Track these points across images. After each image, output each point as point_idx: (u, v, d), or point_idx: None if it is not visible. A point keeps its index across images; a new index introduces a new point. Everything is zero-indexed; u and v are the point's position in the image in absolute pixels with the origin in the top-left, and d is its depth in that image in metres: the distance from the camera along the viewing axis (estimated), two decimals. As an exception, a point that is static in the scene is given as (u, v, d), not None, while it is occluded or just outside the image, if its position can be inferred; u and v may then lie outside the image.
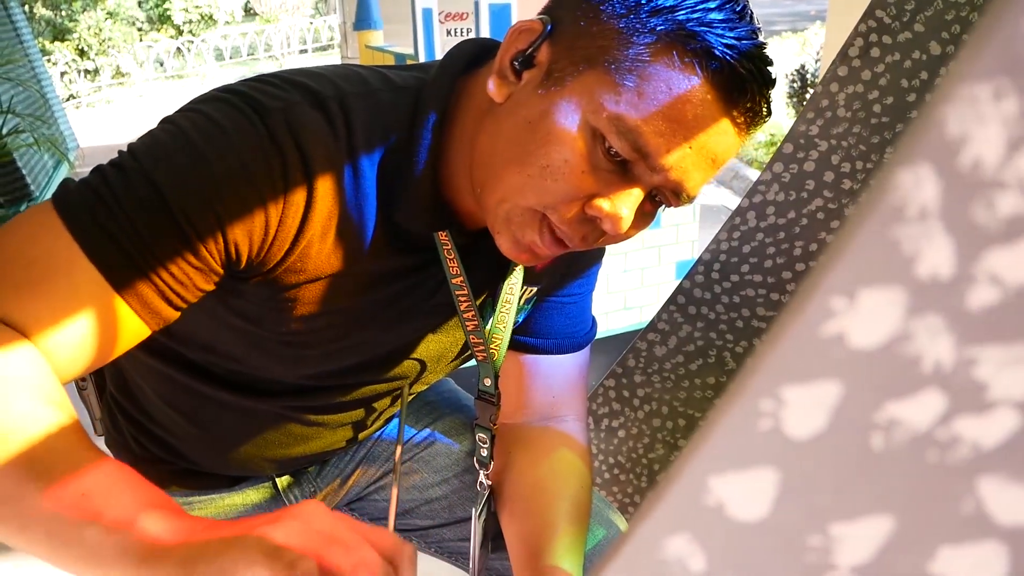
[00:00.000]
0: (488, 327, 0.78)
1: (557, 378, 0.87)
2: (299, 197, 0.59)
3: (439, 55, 2.52)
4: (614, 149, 0.58)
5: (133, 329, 0.58)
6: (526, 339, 0.85)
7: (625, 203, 0.61)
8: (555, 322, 0.85)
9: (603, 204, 0.60)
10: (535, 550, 0.76)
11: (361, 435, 0.89)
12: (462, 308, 0.75)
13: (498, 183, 0.62)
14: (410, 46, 2.73)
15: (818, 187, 1.13)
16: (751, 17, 0.58)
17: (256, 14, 15.02)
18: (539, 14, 0.63)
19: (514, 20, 2.40)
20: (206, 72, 12.25)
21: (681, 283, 1.26)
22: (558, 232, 0.63)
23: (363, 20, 3.86)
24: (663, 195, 0.63)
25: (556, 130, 0.59)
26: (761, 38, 0.59)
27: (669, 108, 0.57)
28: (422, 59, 2.42)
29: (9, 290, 0.54)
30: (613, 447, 1.40)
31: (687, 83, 0.57)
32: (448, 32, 2.50)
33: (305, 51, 13.67)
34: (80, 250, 0.54)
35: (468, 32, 2.53)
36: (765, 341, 0.19)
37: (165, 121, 0.60)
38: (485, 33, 2.41)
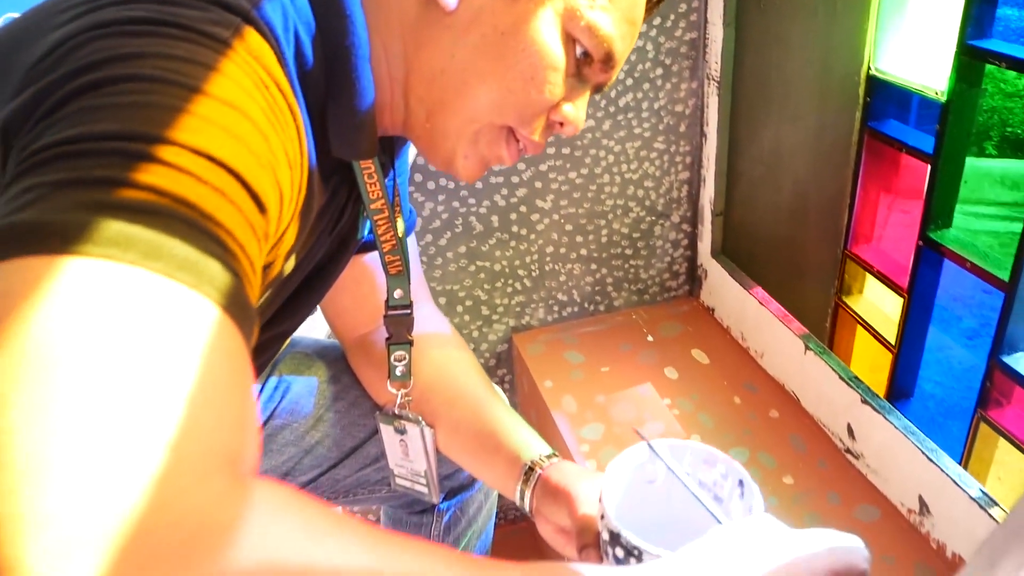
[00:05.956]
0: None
1: None
2: (297, 145, 0.48)
3: None
4: (586, 53, 0.57)
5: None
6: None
7: (584, 106, 0.61)
8: None
9: (569, 110, 0.59)
10: (483, 432, 0.75)
11: None
12: (380, 231, 0.70)
13: (465, 102, 0.57)
14: None
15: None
16: None
17: None
18: None
19: None
20: None
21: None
22: (523, 143, 0.61)
23: None
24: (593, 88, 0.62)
25: (538, 40, 0.55)
26: None
27: (629, 10, 0.57)
28: None
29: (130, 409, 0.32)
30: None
31: None
32: None
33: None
34: (197, 300, 0.35)
35: None
36: None
37: (112, 81, 0.38)
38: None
